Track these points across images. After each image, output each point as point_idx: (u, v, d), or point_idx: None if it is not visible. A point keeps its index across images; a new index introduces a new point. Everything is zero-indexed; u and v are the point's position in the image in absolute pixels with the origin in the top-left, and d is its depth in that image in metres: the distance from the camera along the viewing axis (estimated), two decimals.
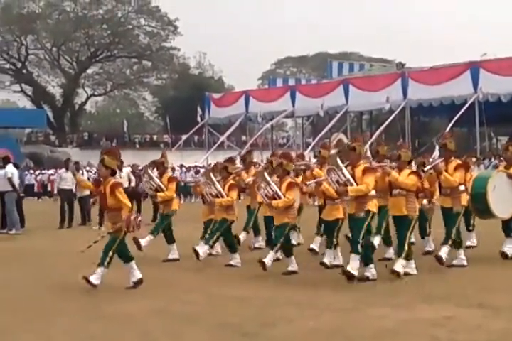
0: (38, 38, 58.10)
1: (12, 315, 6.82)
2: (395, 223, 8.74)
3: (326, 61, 48.67)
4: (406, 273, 8.35)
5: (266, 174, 9.09)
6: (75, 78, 59.96)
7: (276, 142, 49.10)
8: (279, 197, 8.79)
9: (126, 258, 8.21)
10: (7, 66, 58.78)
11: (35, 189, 34.65)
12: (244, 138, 44.46)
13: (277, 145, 46.28)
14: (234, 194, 9.97)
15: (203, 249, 9.63)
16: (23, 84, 59.62)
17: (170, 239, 10.49)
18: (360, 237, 8.10)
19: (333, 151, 10.14)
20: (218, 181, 9.98)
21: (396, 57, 50.58)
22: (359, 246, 8.08)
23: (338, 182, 8.20)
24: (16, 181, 15.13)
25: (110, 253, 8.00)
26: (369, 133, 34.28)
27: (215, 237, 9.73)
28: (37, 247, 12.58)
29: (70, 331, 6.18)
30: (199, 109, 39.33)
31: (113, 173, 8.30)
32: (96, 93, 63.96)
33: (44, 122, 47.79)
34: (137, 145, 51.18)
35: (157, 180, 10.53)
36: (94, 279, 7.88)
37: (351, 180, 8.13)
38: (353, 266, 8.01)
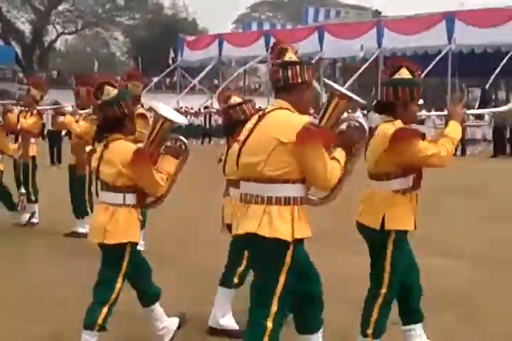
0: None
1: None
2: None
3: (302, 6, 47.96)
4: None
5: None
6: (45, 15, 58.32)
7: (249, 87, 48.73)
8: None
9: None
10: None
11: None
12: (216, 82, 44.01)
13: (249, 90, 45.94)
14: None
15: None
16: None
17: None
18: None
19: None
20: None
21: (373, 5, 50.21)
22: None
23: None
24: None
25: None
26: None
27: None
28: None
29: None
30: (171, 51, 38.74)
31: None
32: (66, 31, 62.45)
33: (13, 59, 46.69)
34: None
35: None
36: None
37: None
38: None
